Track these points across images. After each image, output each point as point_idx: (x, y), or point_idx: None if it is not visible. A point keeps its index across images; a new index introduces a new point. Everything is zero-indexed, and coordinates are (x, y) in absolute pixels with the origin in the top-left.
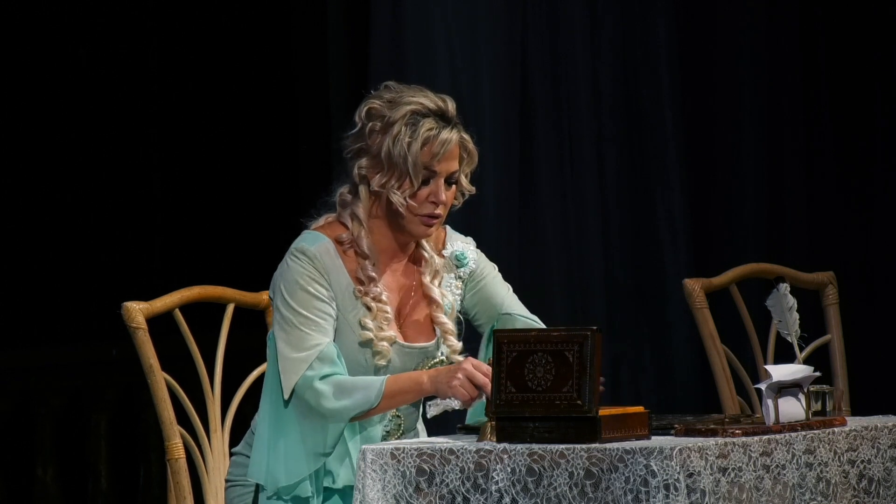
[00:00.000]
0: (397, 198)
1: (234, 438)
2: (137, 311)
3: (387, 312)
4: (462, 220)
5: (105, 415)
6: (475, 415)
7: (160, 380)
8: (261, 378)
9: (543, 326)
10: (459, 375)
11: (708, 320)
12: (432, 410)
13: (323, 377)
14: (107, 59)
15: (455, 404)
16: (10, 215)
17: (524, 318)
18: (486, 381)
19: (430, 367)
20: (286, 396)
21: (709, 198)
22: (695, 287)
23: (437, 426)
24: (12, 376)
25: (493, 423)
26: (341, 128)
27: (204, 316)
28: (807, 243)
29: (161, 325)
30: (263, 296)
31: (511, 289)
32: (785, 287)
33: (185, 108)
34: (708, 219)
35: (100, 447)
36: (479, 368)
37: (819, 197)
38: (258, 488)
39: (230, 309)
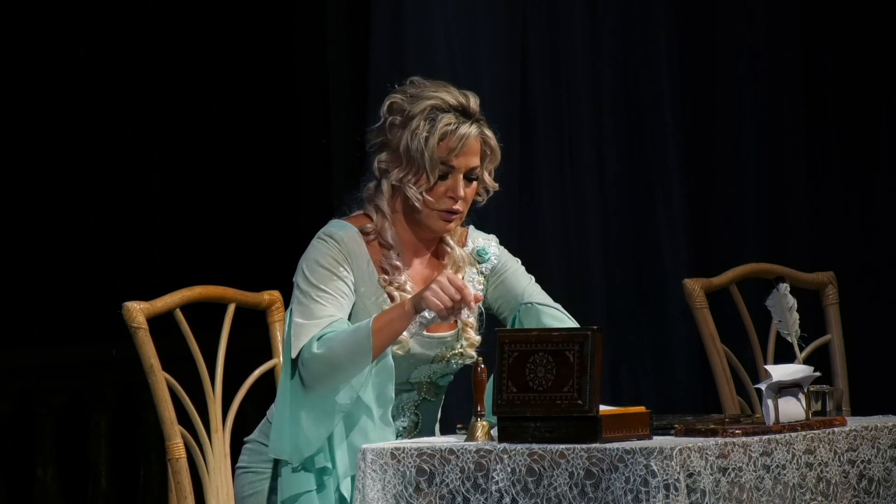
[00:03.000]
0: (413, 192)
1: (235, 438)
2: (138, 311)
3: None
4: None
5: (105, 415)
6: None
7: (161, 379)
8: (262, 378)
9: (566, 314)
10: (433, 286)
11: (708, 320)
12: (413, 328)
13: (319, 338)
14: (107, 59)
15: (429, 315)
16: (10, 215)
17: (545, 305)
18: (457, 288)
19: (448, 359)
20: (293, 356)
21: (709, 198)
22: (695, 287)
23: (441, 427)
24: (12, 376)
25: (482, 423)
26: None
27: (205, 316)
28: (807, 243)
29: (162, 325)
30: (264, 296)
31: (533, 279)
32: (785, 287)
33: (185, 108)
34: (708, 219)
35: (100, 447)
36: (453, 280)
37: (819, 197)
38: (273, 474)
39: (231, 309)
